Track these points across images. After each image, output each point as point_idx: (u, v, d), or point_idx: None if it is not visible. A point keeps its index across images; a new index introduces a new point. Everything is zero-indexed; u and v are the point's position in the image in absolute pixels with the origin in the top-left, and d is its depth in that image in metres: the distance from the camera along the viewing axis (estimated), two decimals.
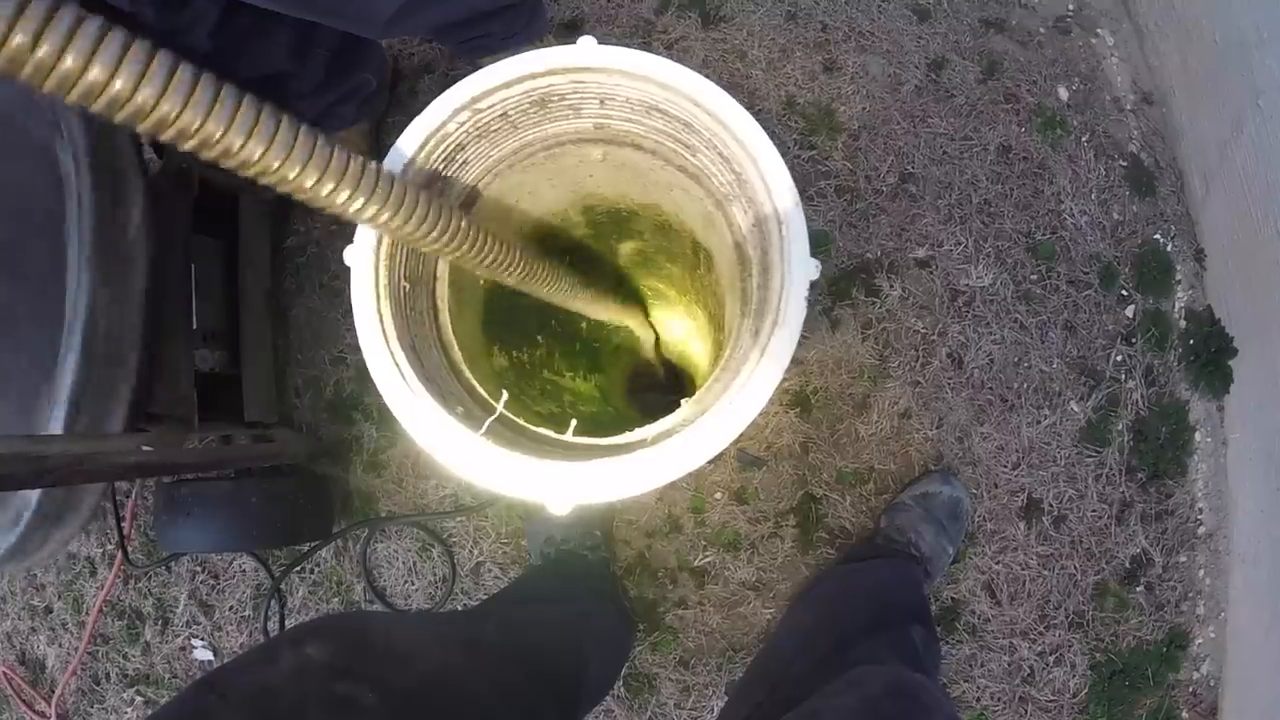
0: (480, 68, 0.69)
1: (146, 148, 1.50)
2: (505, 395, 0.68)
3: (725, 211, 0.78)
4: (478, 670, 0.79)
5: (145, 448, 1.19)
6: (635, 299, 1.20)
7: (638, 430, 0.69)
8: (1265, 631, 1.35)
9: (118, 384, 1.13)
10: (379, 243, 0.64)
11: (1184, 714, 1.41)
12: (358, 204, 0.53)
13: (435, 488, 1.50)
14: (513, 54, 1.40)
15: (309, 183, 0.51)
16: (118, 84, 0.42)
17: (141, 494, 1.55)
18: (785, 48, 1.51)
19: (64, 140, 1.07)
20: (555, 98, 0.73)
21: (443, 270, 0.73)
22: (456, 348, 0.73)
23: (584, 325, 1.19)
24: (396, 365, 0.62)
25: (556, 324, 1.10)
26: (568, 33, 1.54)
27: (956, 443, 1.44)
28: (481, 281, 0.83)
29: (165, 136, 0.48)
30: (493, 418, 0.63)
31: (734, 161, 0.71)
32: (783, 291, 0.63)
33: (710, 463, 1.44)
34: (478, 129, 0.71)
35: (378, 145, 1.54)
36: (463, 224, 0.60)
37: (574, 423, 0.70)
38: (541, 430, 0.71)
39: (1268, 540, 1.36)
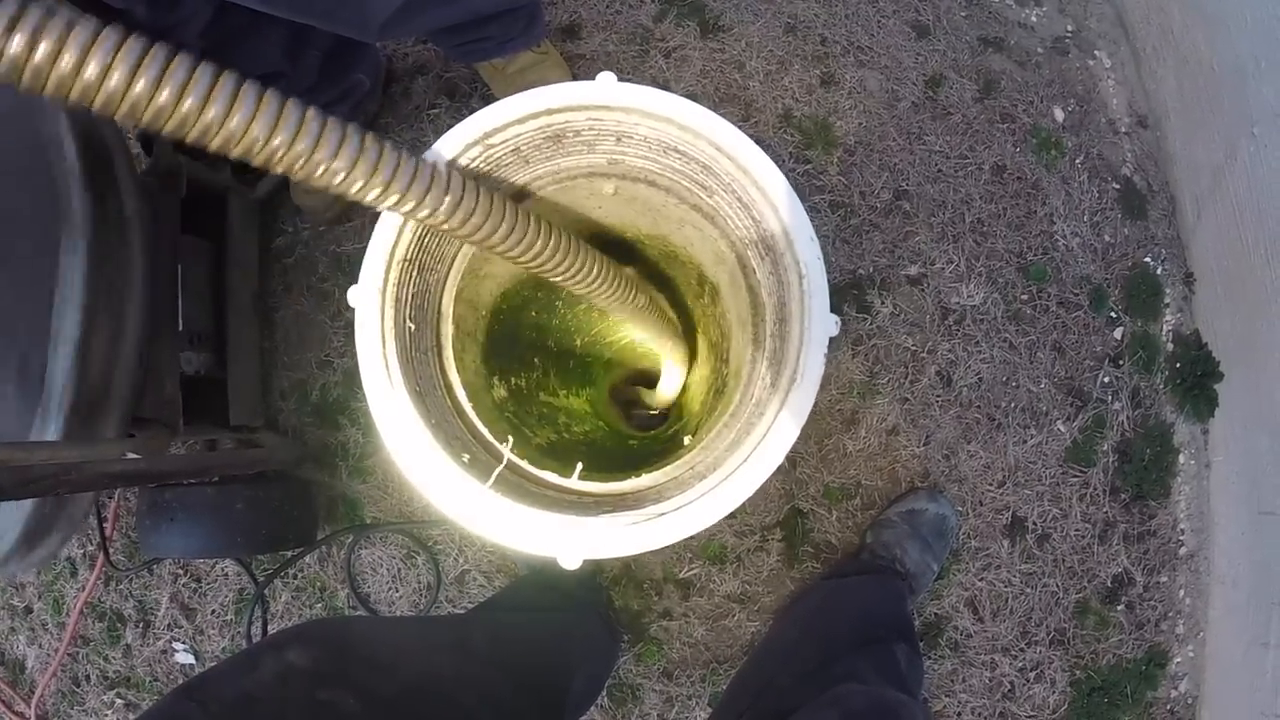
0: (477, 69, 0.69)
1: (134, 143, 1.48)
2: (510, 440, 0.67)
3: (739, 254, 0.78)
4: (463, 678, 0.79)
5: (130, 455, 1.18)
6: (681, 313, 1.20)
7: (645, 476, 0.68)
8: (1243, 652, 1.37)
9: (115, 385, 1.11)
10: (385, 283, 0.64)
11: None
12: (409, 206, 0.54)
13: (421, 495, 1.49)
14: (508, 59, 1.38)
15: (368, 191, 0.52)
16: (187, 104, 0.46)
17: (124, 495, 1.53)
18: (783, 60, 1.51)
19: (54, 135, 1.04)
20: (570, 134, 0.72)
21: (447, 307, 0.73)
22: (459, 386, 0.72)
23: (579, 341, 1.18)
24: (402, 412, 0.61)
25: (553, 343, 1.10)
26: (565, 37, 1.52)
27: (943, 460, 1.45)
28: (483, 312, 0.82)
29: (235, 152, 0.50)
30: (500, 467, 0.62)
31: (753, 209, 0.71)
32: (801, 347, 0.63)
33: None
34: (488, 164, 0.70)
35: None
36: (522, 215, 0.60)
37: (579, 466, 0.69)
38: (546, 475, 0.70)
39: (1247, 563, 1.38)
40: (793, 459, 1.45)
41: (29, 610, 1.58)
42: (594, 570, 1.42)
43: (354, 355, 1.54)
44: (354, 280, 1.56)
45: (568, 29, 1.53)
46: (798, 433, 0.62)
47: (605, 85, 0.69)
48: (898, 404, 1.45)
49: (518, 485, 0.65)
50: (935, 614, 1.43)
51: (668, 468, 0.69)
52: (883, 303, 1.46)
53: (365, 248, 1.53)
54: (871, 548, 1.37)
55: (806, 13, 1.53)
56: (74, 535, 1.52)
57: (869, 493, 1.44)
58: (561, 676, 1.03)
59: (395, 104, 1.54)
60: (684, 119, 0.69)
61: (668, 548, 1.43)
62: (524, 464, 0.70)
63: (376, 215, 1.55)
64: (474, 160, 0.69)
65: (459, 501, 0.60)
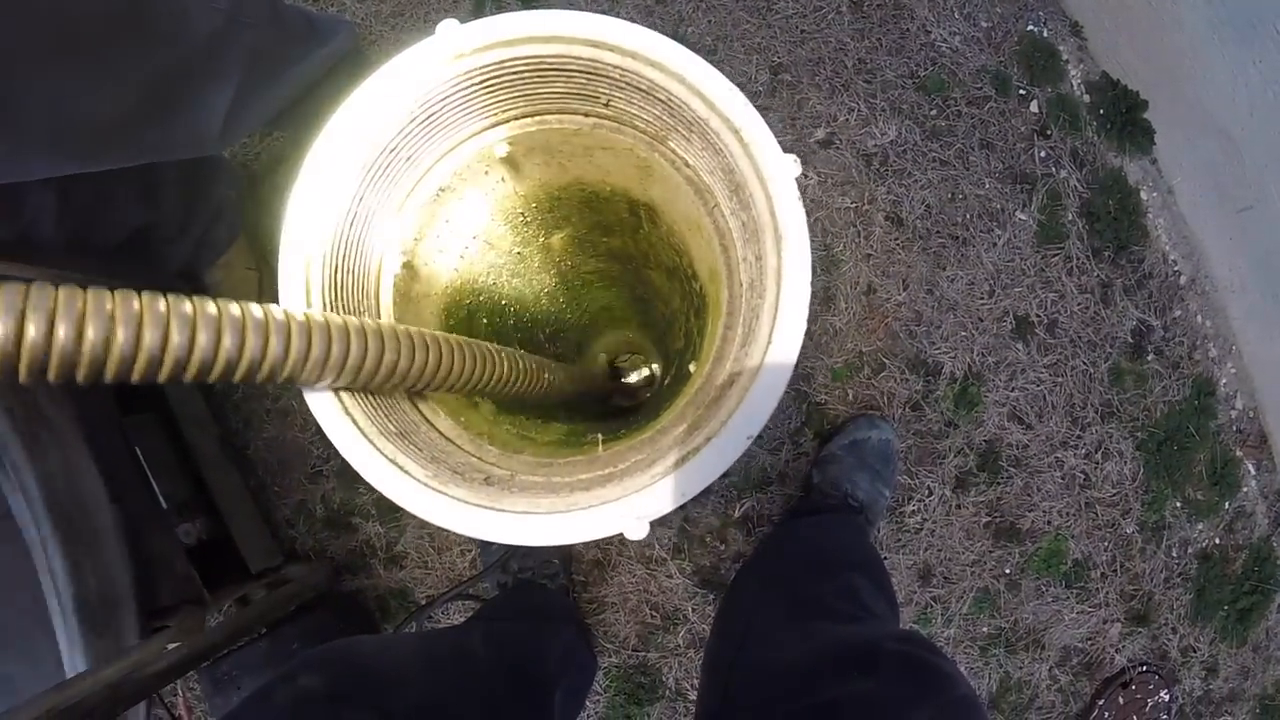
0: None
1: None
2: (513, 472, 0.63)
3: (662, 151, 0.70)
4: (467, 691, 0.79)
5: (170, 645, 1.14)
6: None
7: (666, 416, 0.63)
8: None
9: (117, 591, 1.08)
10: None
11: (1237, 452, 1.43)
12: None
13: (461, 554, 1.46)
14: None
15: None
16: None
17: (187, 687, 1.49)
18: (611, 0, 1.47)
19: None
20: (436, 101, 0.64)
21: None
22: (443, 415, 0.67)
23: (545, 333, 1.15)
24: (398, 466, 0.56)
25: (520, 342, 1.05)
26: None
27: (927, 295, 1.43)
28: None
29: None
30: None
31: (656, 90, 0.62)
32: (770, 200, 0.57)
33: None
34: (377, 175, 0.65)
35: (259, 252, 1.47)
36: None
37: (600, 438, 0.65)
38: (575, 460, 0.65)
39: (1246, 263, 1.37)
40: None
41: None
42: (566, 587, 1.39)
43: (338, 456, 1.50)
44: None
45: None
46: (809, 276, 0.56)
47: (447, 32, 0.59)
48: (863, 263, 1.43)
49: (546, 485, 0.59)
50: (984, 441, 1.41)
51: (690, 394, 0.63)
52: (806, 176, 1.43)
53: None
54: (820, 486, 1.33)
55: None
56: None
57: (873, 357, 1.42)
58: (548, 685, 1.01)
59: (269, 204, 1.49)
60: (544, 29, 0.60)
61: (712, 497, 1.41)
62: (547, 458, 0.65)
63: None
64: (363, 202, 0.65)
65: (508, 531, 0.55)
